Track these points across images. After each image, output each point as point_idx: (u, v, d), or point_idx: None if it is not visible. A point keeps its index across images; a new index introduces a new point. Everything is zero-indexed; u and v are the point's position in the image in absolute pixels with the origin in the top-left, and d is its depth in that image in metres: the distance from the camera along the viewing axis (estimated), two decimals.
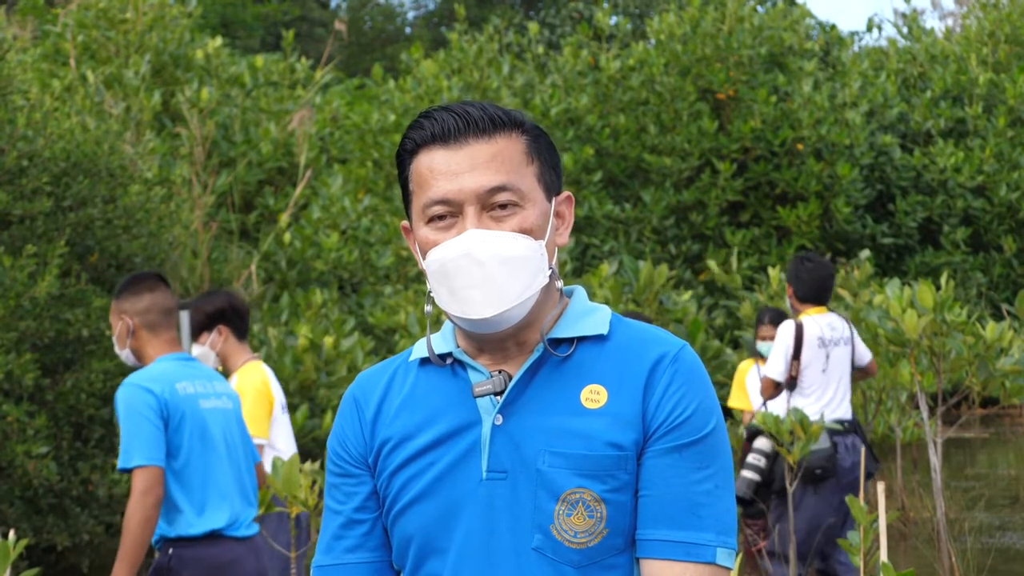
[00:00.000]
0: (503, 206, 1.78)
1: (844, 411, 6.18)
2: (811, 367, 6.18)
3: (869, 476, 6.26)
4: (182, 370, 4.29)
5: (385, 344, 10.41)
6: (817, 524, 6.05)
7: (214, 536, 4.19)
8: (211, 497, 4.21)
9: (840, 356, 6.24)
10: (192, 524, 4.16)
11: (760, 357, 7.62)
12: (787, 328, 6.22)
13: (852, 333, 6.33)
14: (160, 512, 4.10)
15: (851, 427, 6.16)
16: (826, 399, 6.15)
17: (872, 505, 7.11)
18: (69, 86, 11.18)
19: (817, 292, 6.27)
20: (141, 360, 4.29)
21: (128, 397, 4.11)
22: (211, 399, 4.32)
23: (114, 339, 4.30)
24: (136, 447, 4.05)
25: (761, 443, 6.31)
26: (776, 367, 6.23)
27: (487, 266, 1.75)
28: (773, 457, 6.22)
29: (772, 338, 7.39)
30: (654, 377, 1.78)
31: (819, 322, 6.22)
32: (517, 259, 1.76)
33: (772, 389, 6.32)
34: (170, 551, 4.16)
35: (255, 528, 4.39)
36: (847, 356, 6.28)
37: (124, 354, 4.31)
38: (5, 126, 7.90)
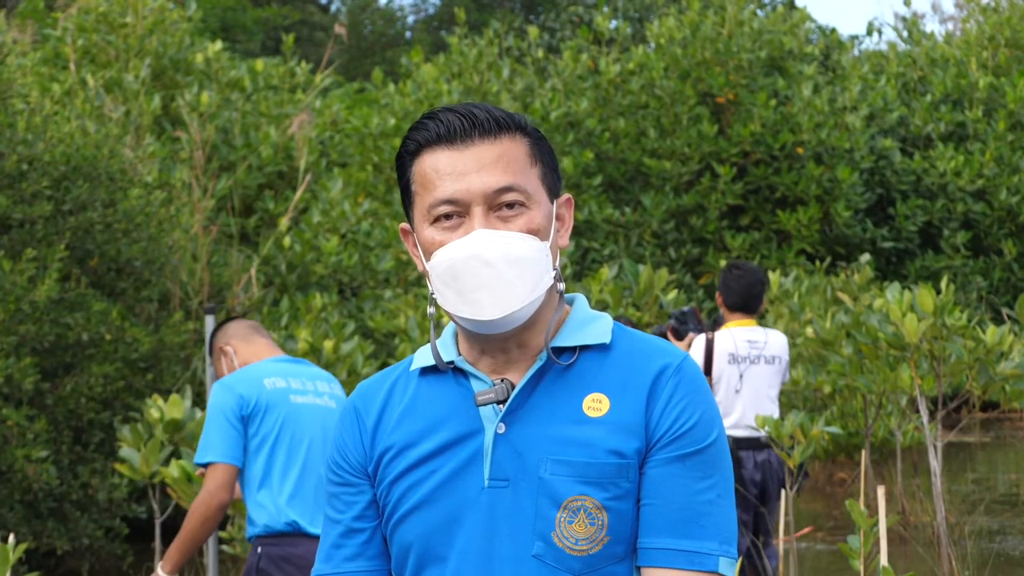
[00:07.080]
0: (510, 206, 1.77)
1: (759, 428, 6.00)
2: (720, 382, 6.09)
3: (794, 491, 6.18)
4: (276, 368, 4.28)
5: (385, 348, 10.40)
6: None
7: (299, 534, 4.11)
8: (293, 491, 4.13)
9: (758, 373, 6.10)
10: (275, 518, 4.10)
11: None
12: (699, 343, 6.17)
13: (783, 352, 6.17)
14: (221, 515, 4.08)
15: (767, 442, 6.02)
16: (736, 415, 6.04)
17: (872, 509, 7.10)
18: (69, 90, 11.18)
19: (745, 300, 6.17)
20: None
21: (212, 397, 4.18)
22: (308, 395, 4.27)
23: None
24: (213, 444, 4.09)
25: None
26: None
27: (496, 266, 1.73)
28: None
29: None
30: (657, 387, 1.78)
31: (736, 337, 6.11)
32: (525, 260, 1.75)
33: None
34: (259, 549, 4.12)
35: None
36: (768, 373, 6.13)
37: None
38: (5, 130, 7.90)
